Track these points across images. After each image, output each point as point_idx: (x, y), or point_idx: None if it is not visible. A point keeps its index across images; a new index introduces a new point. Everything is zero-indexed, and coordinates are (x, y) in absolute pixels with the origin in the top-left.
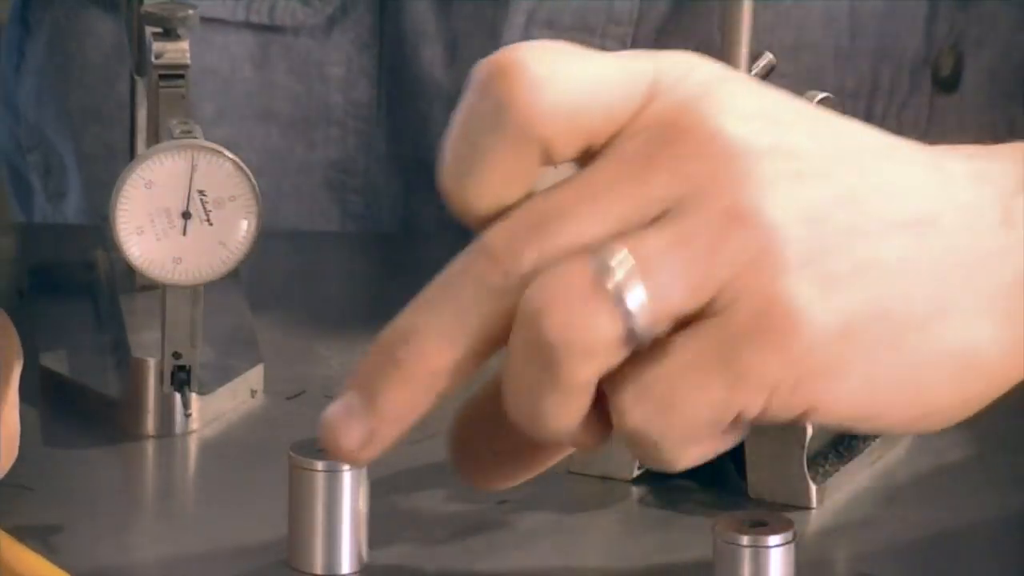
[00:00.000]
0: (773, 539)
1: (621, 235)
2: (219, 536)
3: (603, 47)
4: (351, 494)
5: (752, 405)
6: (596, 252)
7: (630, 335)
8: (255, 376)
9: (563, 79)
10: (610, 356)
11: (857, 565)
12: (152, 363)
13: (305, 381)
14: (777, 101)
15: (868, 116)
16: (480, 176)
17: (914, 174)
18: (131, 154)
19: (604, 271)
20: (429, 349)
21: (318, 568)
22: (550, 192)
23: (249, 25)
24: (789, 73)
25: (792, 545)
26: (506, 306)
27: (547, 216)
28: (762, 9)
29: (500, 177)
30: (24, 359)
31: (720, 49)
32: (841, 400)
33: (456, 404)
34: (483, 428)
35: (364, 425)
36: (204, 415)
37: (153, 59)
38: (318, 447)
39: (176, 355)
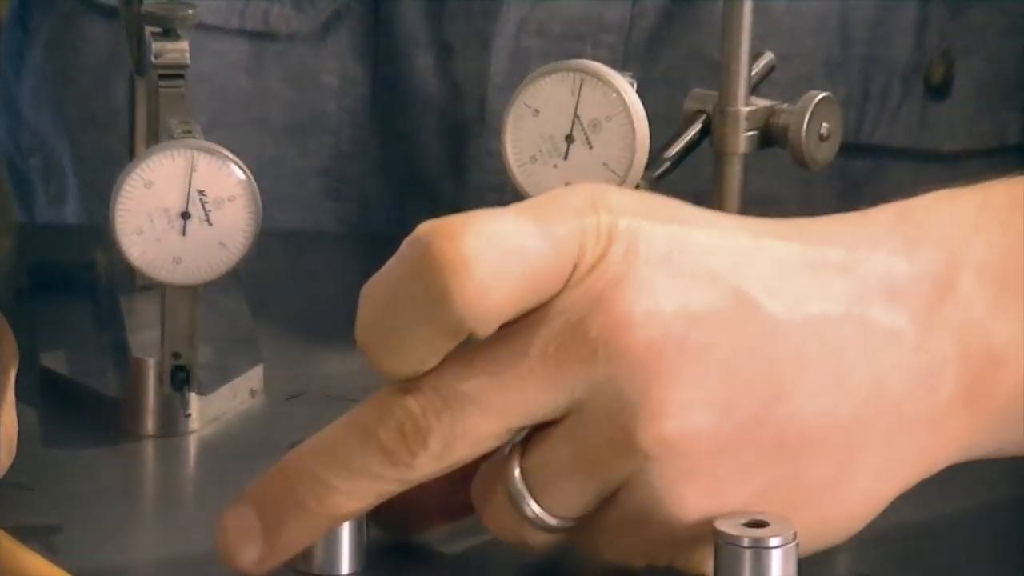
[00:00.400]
0: (774, 540)
1: (522, 448)
2: None
3: (595, 55)
4: None
5: (657, 563)
6: (506, 484)
7: (548, 528)
8: (255, 376)
9: (504, 284)
10: (540, 536)
11: (857, 565)
12: (152, 363)
13: (305, 381)
14: (690, 277)
15: (859, 124)
16: (402, 351)
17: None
18: (131, 154)
19: (513, 498)
20: (332, 500)
21: (316, 568)
22: (460, 371)
23: (243, 32)
24: (781, 81)
25: (793, 546)
26: (408, 479)
27: (453, 400)
28: (754, 14)
29: (422, 355)
30: (24, 359)
31: (714, 54)
32: None
33: None
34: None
35: (260, 548)
36: (204, 415)
37: (153, 59)
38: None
39: (176, 355)
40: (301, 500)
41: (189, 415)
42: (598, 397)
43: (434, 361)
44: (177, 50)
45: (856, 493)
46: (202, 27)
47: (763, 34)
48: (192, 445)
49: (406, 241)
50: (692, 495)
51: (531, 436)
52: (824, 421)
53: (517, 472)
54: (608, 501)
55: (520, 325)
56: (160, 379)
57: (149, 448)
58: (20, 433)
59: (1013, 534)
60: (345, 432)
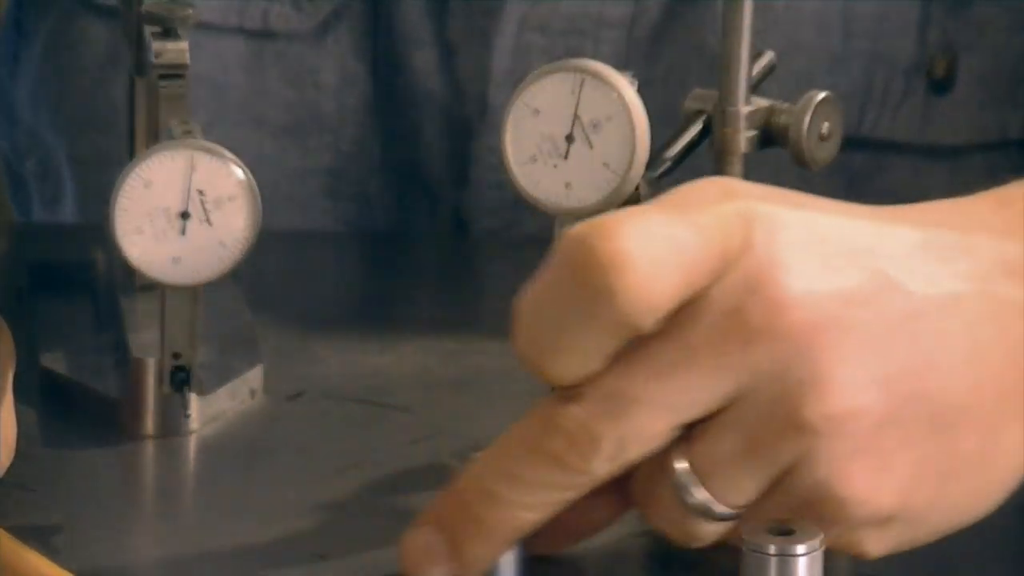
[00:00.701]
0: (800, 547)
1: (694, 444)
2: (219, 536)
3: (596, 52)
4: None
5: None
6: (668, 472)
7: (716, 516)
8: (255, 376)
9: (665, 276)
10: (708, 525)
11: (857, 565)
12: (152, 363)
13: (305, 381)
14: (834, 258)
15: (861, 119)
16: (567, 356)
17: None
18: (130, 154)
19: (679, 491)
20: (511, 516)
21: None
22: (622, 372)
23: (242, 31)
24: (783, 76)
25: (819, 553)
26: (584, 483)
27: (620, 402)
28: (755, 12)
29: (588, 359)
30: (24, 359)
31: (716, 51)
32: (888, 547)
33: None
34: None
35: (448, 569)
36: (204, 415)
37: (153, 59)
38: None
39: (176, 355)
40: (481, 518)
41: (189, 415)
42: (763, 381)
43: (600, 364)
44: (177, 50)
45: (1003, 462)
46: (200, 26)
47: (765, 30)
48: (192, 445)
49: (561, 244)
50: (860, 472)
51: (693, 427)
52: (970, 394)
53: (684, 464)
54: (775, 486)
55: (677, 319)
56: (160, 379)
57: (149, 448)
58: (20, 433)
59: (1013, 534)
60: (514, 447)
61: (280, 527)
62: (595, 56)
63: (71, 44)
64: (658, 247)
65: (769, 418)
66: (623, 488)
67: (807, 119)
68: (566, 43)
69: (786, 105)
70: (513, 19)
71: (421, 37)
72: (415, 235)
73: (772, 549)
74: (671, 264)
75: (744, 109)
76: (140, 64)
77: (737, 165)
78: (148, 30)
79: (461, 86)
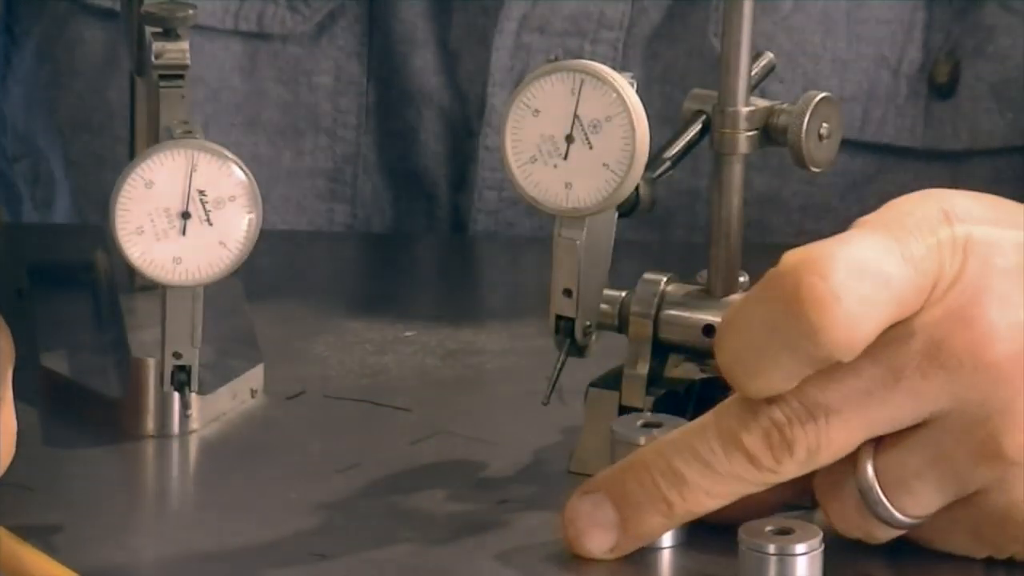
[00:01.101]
0: (800, 547)
1: (879, 451)
2: (219, 536)
3: (594, 52)
4: None
5: (998, 557)
6: (859, 483)
7: (898, 525)
8: (255, 376)
9: (872, 314)
10: (887, 531)
11: (857, 565)
12: (152, 363)
13: (305, 381)
14: None
15: (865, 122)
16: (767, 377)
17: None
18: (130, 154)
19: (865, 493)
20: (698, 500)
21: None
22: (824, 384)
23: (237, 33)
24: (788, 79)
25: (819, 552)
26: (771, 481)
27: (820, 413)
28: (761, 16)
29: (785, 381)
30: (24, 359)
31: (715, 52)
32: None
33: None
34: None
35: (613, 538)
36: (204, 415)
37: (153, 59)
38: (640, 422)
39: (176, 355)
40: (665, 496)
41: (189, 415)
42: (962, 407)
43: (794, 384)
44: (177, 50)
45: None
46: (196, 28)
47: (771, 32)
48: (192, 445)
49: (773, 274)
50: None
51: (885, 435)
52: None
53: (871, 470)
54: (964, 502)
55: (883, 339)
56: (160, 379)
57: (149, 448)
58: (20, 433)
59: None
60: (709, 435)
61: (280, 527)
62: (594, 57)
63: (65, 47)
64: (867, 286)
65: (964, 443)
66: (805, 478)
67: (806, 119)
68: (565, 42)
69: (786, 105)
70: (513, 18)
71: (419, 38)
72: (415, 235)
73: (772, 549)
74: (879, 303)
75: (744, 110)
76: (140, 64)
77: (737, 165)
78: (148, 30)
79: (460, 87)
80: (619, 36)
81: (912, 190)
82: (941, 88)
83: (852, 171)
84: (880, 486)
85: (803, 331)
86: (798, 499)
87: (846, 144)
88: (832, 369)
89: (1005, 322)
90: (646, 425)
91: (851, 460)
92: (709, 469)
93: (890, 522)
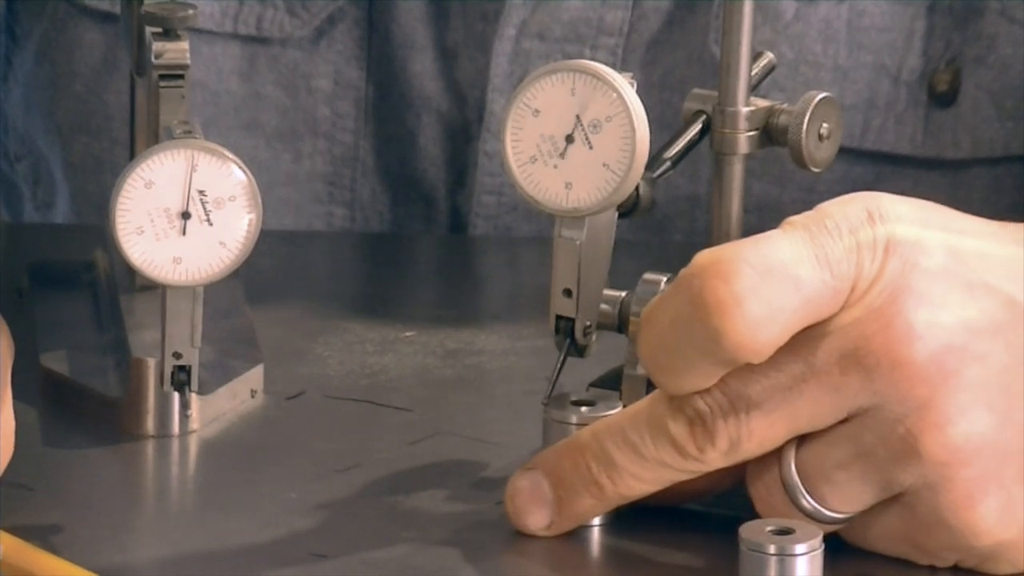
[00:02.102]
0: (800, 547)
1: (804, 444)
2: (219, 536)
3: (593, 58)
4: None
5: (939, 565)
6: (781, 472)
7: (822, 519)
8: (255, 376)
9: (777, 317)
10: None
11: (857, 565)
12: (152, 363)
13: (305, 381)
14: (967, 288)
15: (865, 130)
16: (681, 375)
17: None
18: (131, 155)
19: (787, 487)
20: (628, 484)
21: None
22: (747, 377)
23: (236, 36)
24: (789, 87)
25: (819, 552)
26: (697, 470)
27: (742, 405)
28: (762, 24)
29: (701, 379)
30: (24, 359)
31: (715, 57)
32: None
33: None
34: None
35: (547, 516)
36: (204, 415)
37: (153, 59)
38: (571, 399)
39: (176, 355)
40: (596, 479)
41: (189, 415)
42: (882, 404)
43: (711, 382)
44: (177, 50)
45: None
46: (195, 31)
47: (773, 40)
48: (192, 445)
49: (682, 274)
50: (988, 506)
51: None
52: None
53: (793, 464)
54: (894, 501)
55: (804, 336)
56: (160, 379)
57: (149, 448)
58: (20, 433)
59: None
60: (639, 421)
61: (280, 527)
62: (594, 62)
63: (64, 49)
64: (775, 291)
65: (884, 440)
66: (737, 464)
67: (806, 119)
68: (564, 48)
69: (785, 105)
70: (512, 24)
71: (419, 42)
72: (415, 235)
73: (772, 549)
74: (785, 307)
75: (744, 110)
76: (140, 64)
77: (737, 165)
78: (148, 30)
79: (459, 91)
80: (618, 42)
81: (911, 197)
82: (941, 96)
83: (851, 179)
84: (801, 478)
85: (707, 334)
86: (731, 487)
87: (846, 152)
88: (758, 367)
89: (923, 321)
90: (578, 403)
91: (777, 450)
92: (637, 455)
93: (814, 516)
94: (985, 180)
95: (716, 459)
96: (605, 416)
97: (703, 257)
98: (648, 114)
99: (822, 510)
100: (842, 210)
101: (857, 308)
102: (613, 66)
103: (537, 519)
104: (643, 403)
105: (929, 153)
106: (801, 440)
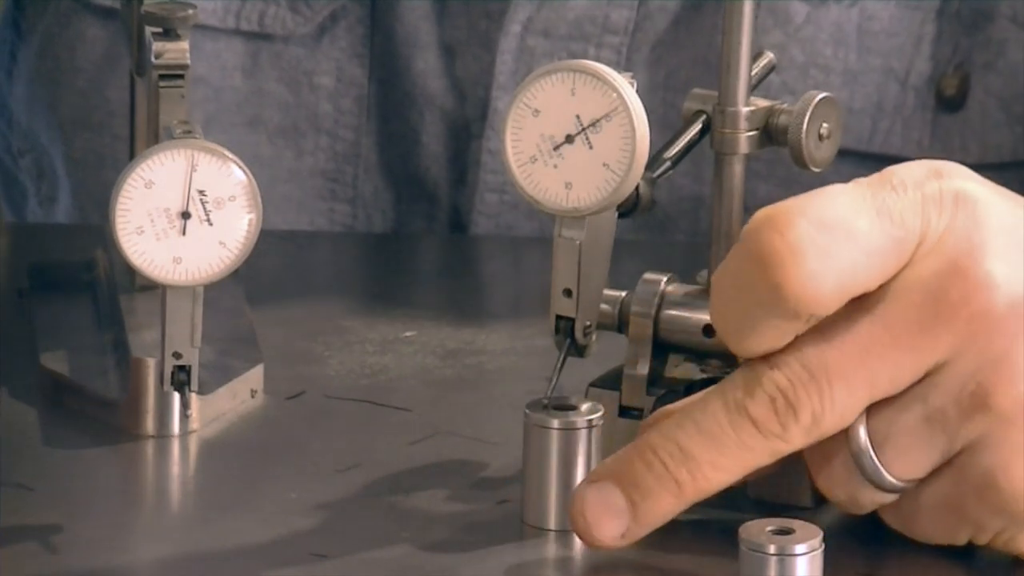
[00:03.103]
0: (800, 547)
1: (875, 411)
2: (219, 536)
3: (598, 56)
4: (585, 451)
5: (979, 539)
6: (850, 441)
7: (886, 486)
8: (255, 376)
9: (835, 268)
10: (873, 496)
11: (857, 565)
12: (152, 363)
13: (305, 381)
14: None
15: (872, 133)
16: (753, 335)
17: None
18: (131, 154)
19: (856, 455)
20: (706, 477)
21: (552, 524)
22: (825, 345)
23: (239, 33)
24: (799, 90)
25: (819, 552)
26: (779, 450)
27: (822, 374)
28: (773, 28)
29: (772, 338)
30: (24, 359)
31: (719, 54)
32: None
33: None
34: None
35: (623, 524)
36: (204, 415)
37: (153, 59)
38: (553, 403)
39: (176, 355)
40: (675, 476)
41: (189, 415)
42: (959, 358)
43: (785, 342)
44: (177, 50)
45: None
46: (198, 27)
47: (783, 43)
48: (192, 445)
49: (744, 230)
50: None
51: None
52: None
53: (863, 429)
54: (949, 465)
55: (878, 295)
56: (160, 379)
57: (149, 448)
58: (20, 433)
59: None
60: (714, 408)
61: (280, 527)
62: (597, 60)
63: (67, 45)
64: (828, 240)
65: (957, 395)
66: None
67: (806, 119)
68: (569, 46)
69: (785, 105)
70: (517, 21)
71: (422, 40)
72: (415, 234)
73: (772, 549)
74: (843, 257)
75: (744, 110)
76: (140, 64)
77: (737, 165)
78: (148, 30)
79: (462, 89)
80: (624, 41)
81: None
82: (949, 101)
83: None
84: (873, 444)
85: (768, 288)
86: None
87: (853, 155)
88: (831, 329)
89: (1001, 273)
90: (559, 407)
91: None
92: (716, 443)
93: (879, 484)
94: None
95: (798, 436)
96: (590, 419)
97: (761, 213)
98: (652, 114)
99: (888, 477)
100: (907, 168)
101: (931, 260)
102: (618, 65)
103: (612, 530)
104: (712, 391)
105: (936, 157)
106: (869, 408)
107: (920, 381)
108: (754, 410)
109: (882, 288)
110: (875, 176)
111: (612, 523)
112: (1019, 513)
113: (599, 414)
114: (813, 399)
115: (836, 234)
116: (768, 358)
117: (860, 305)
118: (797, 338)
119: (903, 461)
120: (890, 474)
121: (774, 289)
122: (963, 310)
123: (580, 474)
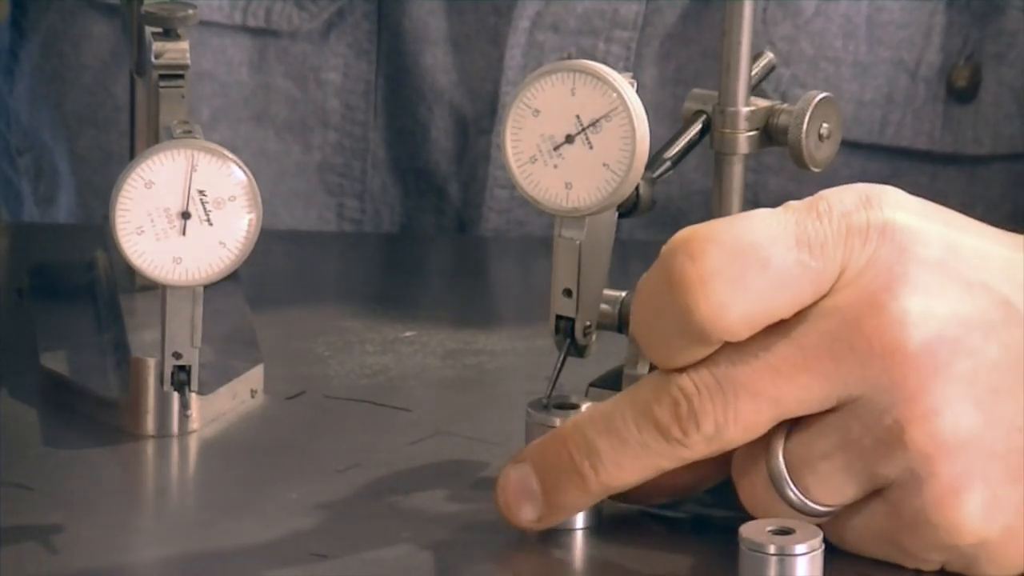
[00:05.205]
0: (800, 547)
1: (791, 433)
2: (219, 536)
3: (607, 51)
4: None
5: (925, 568)
6: (768, 462)
7: (807, 512)
8: (255, 376)
9: (745, 298)
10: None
11: (857, 565)
12: (152, 363)
13: (305, 381)
14: (964, 283)
15: (883, 125)
16: (665, 350)
17: None
18: (131, 154)
19: (773, 476)
20: (611, 473)
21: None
22: (736, 358)
23: (246, 29)
24: (809, 83)
25: (819, 552)
26: (681, 456)
27: (728, 387)
28: (782, 20)
29: (683, 356)
30: (24, 359)
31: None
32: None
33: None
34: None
35: (537, 510)
36: (204, 415)
37: (153, 59)
38: (554, 403)
39: (176, 355)
40: (579, 468)
41: (189, 415)
42: (871, 392)
43: (696, 359)
44: (177, 50)
45: None
46: (205, 24)
47: (793, 36)
48: (192, 445)
49: (663, 249)
50: (972, 501)
51: (797, 420)
52: None
53: (780, 453)
54: (877, 496)
55: (797, 318)
56: (160, 379)
57: (149, 448)
58: (20, 433)
59: None
60: (623, 406)
61: (280, 527)
62: (607, 56)
63: (72, 42)
64: (740, 268)
65: (871, 429)
66: (723, 456)
67: (806, 119)
68: (578, 41)
69: (785, 105)
70: (527, 16)
71: (430, 36)
72: (414, 235)
73: (772, 549)
74: (753, 288)
75: (744, 110)
76: (140, 64)
77: (737, 165)
78: (148, 30)
79: (471, 84)
80: (633, 36)
81: (928, 193)
82: (961, 92)
83: (869, 174)
84: (788, 469)
85: (677, 311)
86: (717, 483)
87: (864, 147)
88: (746, 345)
89: (918, 310)
90: (560, 406)
91: (765, 440)
92: (620, 440)
93: (799, 508)
94: (1004, 176)
95: (700, 444)
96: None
97: (679, 235)
98: (662, 109)
99: (807, 502)
100: (838, 195)
101: (850, 290)
102: (627, 60)
103: (525, 512)
104: (627, 391)
105: (947, 149)
106: (789, 430)
107: (837, 410)
108: (659, 413)
109: (802, 312)
110: (804, 201)
111: (527, 507)
112: (959, 546)
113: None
114: (717, 410)
115: (749, 263)
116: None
117: (779, 326)
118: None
119: (822, 488)
120: (808, 500)
121: (684, 314)
122: (876, 344)
123: None
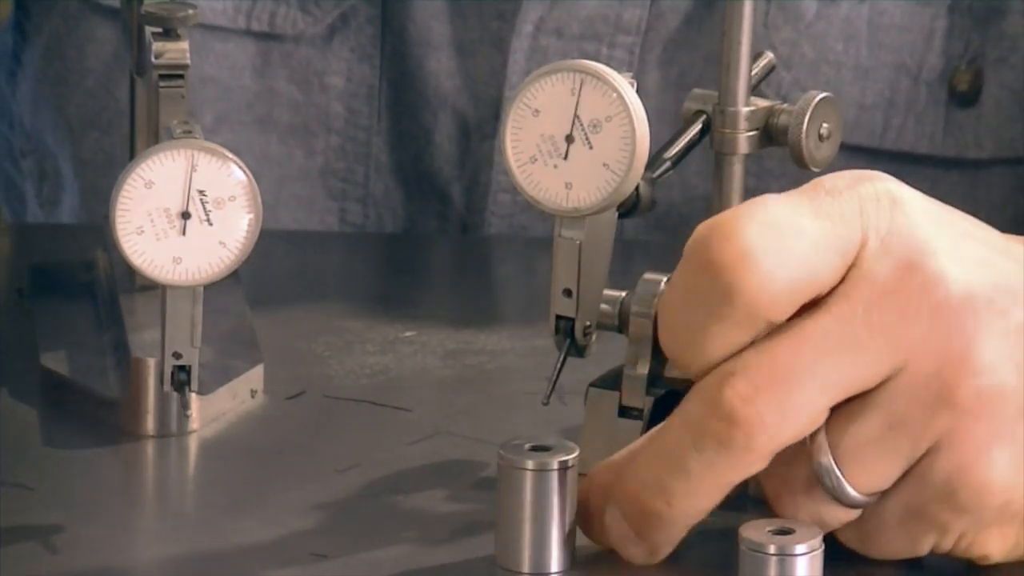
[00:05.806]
0: (800, 547)
1: (835, 426)
2: (219, 536)
3: (611, 56)
4: (559, 493)
5: (942, 545)
6: (815, 458)
7: (851, 501)
8: (255, 376)
9: (787, 266)
10: (837, 514)
11: (857, 565)
12: (152, 363)
13: (305, 381)
14: (985, 249)
15: (885, 129)
16: (706, 349)
17: None
18: (131, 154)
19: (820, 474)
20: (688, 505)
21: (526, 567)
22: (784, 346)
23: (249, 33)
24: (810, 87)
25: (819, 552)
26: (751, 462)
27: (783, 376)
28: (784, 24)
29: (725, 349)
30: (24, 359)
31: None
32: (1008, 549)
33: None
34: None
35: (643, 551)
36: (204, 415)
37: (153, 59)
38: (527, 445)
39: (176, 355)
40: (659, 513)
41: (189, 415)
42: (918, 359)
43: (735, 348)
44: (177, 50)
45: None
46: (208, 27)
47: (794, 40)
48: (192, 445)
49: (688, 245)
50: (1001, 459)
51: (835, 410)
52: None
53: (826, 445)
54: (910, 473)
55: (835, 295)
56: (160, 379)
57: (149, 448)
58: (20, 433)
59: None
60: (676, 432)
61: (280, 527)
62: (610, 61)
63: (76, 45)
64: (779, 238)
65: (919, 394)
66: None
67: (806, 119)
68: (581, 46)
69: (785, 105)
70: (530, 21)
71: (434, 40)
72: (415, 235)
73: (772, 549)
74: (795, 253)
75: (744, 110)
76: (140, 64)
77: (737, 165)
78: (148, 30)
79: (475, 89)
80: (636, 40)
81: (930, 197)
82: (962, 96)
83: None
84: (837, 460)
85: (721, 295)
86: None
87: (865, 151)
88: (786, 333)
89: (953, 267)
90: (535, 448)
91: (801, 441)
92: (688, 473)
93: (844, 500)
94: (1006, 180)
95: (766, 443)
96: (565, 459)
97: (703, 225)
98: (665, 113)
99: (853, 493)
100: (833, 176)
101: (884, 261)
102: (630, 65)
103: (634, 555)
104: (677, 414)
105: (948, 152)
106: (829, 423)
107: (878, 388)
108: (717, 425)
109: (835, 291)
110: (806, 185)
111: (632, 548)
112: (984, 509)
113: (574, 455)
114: (775, 403)
115: (784, 231)
116: (723, 372)
117: (817, 309)
118: (751, 346)
119: (868, 474)
120: (855, 489)
121: (729, 294)
122: (922, 303)
123: (555, 516)
